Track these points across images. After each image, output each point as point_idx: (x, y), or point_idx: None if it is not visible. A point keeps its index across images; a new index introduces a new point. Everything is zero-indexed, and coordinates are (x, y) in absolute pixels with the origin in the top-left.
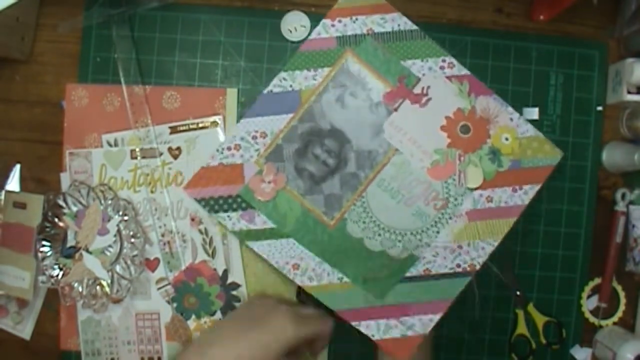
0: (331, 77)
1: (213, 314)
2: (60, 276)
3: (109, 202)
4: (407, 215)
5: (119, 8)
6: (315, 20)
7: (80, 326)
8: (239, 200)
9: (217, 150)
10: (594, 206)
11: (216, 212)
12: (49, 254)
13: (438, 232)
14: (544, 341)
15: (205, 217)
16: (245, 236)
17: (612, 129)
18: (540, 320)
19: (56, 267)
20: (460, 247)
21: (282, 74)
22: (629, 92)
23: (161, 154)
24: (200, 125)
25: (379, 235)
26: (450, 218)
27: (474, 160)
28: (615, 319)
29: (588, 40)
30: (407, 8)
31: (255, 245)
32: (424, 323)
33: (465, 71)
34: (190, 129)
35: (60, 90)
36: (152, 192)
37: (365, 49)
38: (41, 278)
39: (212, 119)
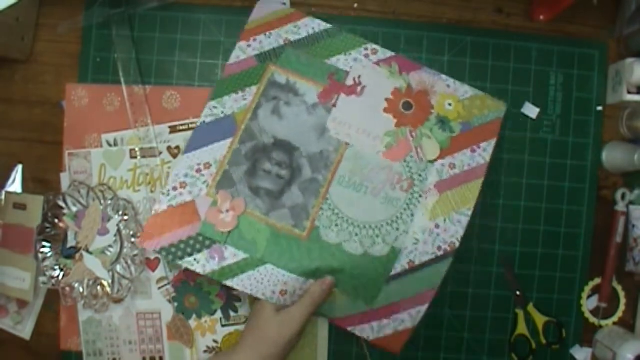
0: (260, 93)
1: (213, 313)
2: (60, 277)
3: (109, 202)
4: (377, 206)
5: (119, 8)
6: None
7: (82, 326)
8: (200, 239)
9: (163, 194)
10: (594, 206)
11: (181, 258)
12: (49, 254)
13: (413, 215)
14: (544, 341)
15: None
16: (219, 276)
17: (612, 129)
18: (540, 320)
19: (57, 267)
20: (437, 226)
21: (211, 103)
22: (629, 92)
23: (160, 153)
24: None
25: (356, 235)
26: (420, 196)
27: (426, 133)
28: (615, 319)
29: (588, 40)
30: (407, 8)
31: (234, 283)
32: (412, 316)
33: (390, 53)
34: (190, 129)
35: (60, 90)
36: (151, 191)
37: (287, 59)
38: (42, 279)
39: None
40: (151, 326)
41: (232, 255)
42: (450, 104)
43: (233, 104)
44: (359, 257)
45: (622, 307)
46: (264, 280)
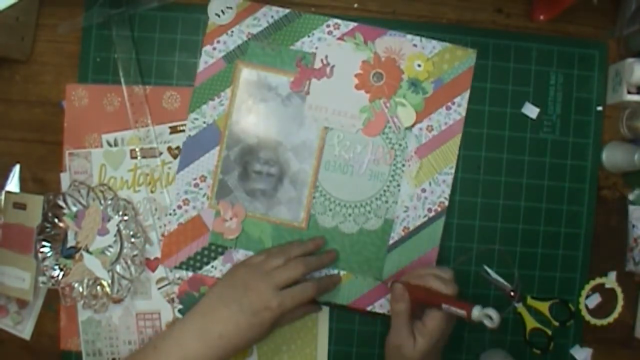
0: (235, 94)
1: None
2: (60, 276)
3: (109, 202)
4: (364, 183)
5: (119, 8)
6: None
7: (81, 326)
8: (212, 247)
9: (170, 214)
10: (594, 206)
11: (200, 268)
12: (49, 254)
13: (399, 185)
14: (556, 323)
15: None
16: None
17: (612, 129)
18: (543, 306)
19: (56, 267)
20: (424, 190)
21: (192, 116)
22: (629, 92)
23: (161, 153)
24: None
25: (350, 215)
26: (403, 165)
27: (399, 101)
28: (614, 318)
29: (588, 40)
30: (407, 8)
31: None
32: None
33: (351, 24)
34: None
35: (60, 90)
36: (152, 191)
37: (254, 53)
38: (41, 279)
39: None
40: (151, 326)
41: (244, 256)
42: (419, 65)
43: (212, 111)
44: (356, 234)
45: (621, 307)
46: None
